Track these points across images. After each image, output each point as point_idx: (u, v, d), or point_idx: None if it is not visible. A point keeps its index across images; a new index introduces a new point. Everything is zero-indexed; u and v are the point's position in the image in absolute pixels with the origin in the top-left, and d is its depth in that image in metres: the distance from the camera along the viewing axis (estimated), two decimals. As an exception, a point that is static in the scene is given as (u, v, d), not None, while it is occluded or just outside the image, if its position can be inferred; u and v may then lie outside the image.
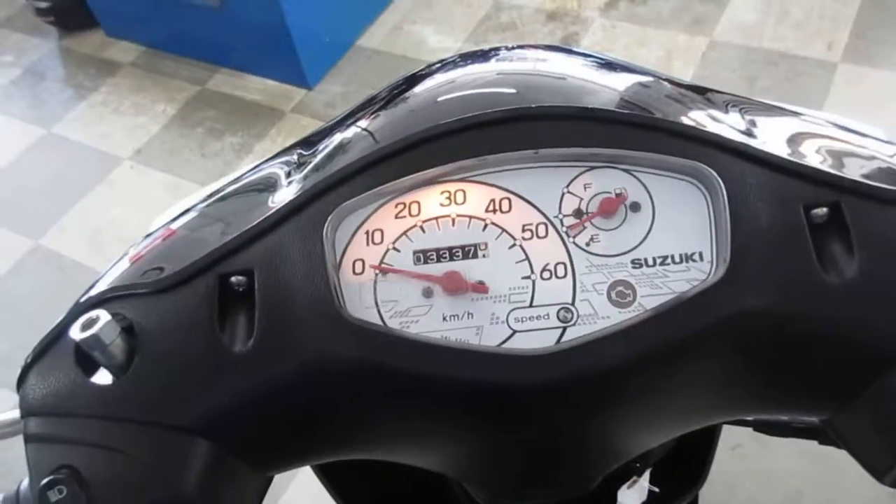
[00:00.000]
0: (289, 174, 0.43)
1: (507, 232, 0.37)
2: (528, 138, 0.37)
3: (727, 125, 0.39)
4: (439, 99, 0.42)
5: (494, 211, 0.37)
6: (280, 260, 0.36)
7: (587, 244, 0.36)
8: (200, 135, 2.17)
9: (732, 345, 0.34)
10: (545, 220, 0.37)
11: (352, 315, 0.35)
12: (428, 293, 0.36)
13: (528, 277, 0.36)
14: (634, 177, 0.37)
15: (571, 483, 0.40)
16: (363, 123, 0.43)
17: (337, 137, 0.43)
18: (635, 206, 0.37)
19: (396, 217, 0.38)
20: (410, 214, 0.37)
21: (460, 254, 0.37)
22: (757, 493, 1.27)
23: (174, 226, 0.43)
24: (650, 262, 0.36)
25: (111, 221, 1.98)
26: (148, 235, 0.45)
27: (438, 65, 0.46)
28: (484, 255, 0.37)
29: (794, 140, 0.40)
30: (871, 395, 0.34)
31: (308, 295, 0.35)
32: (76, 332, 0.34)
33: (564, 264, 0.36)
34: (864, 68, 1.92)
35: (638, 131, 0.37)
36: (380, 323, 0.36)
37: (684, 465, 0.63)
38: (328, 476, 0.58)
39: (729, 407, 0.38)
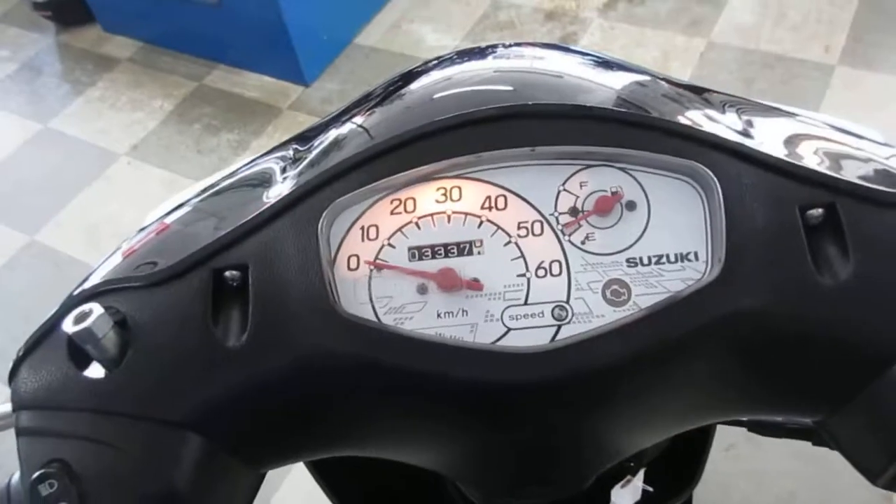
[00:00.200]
0: (284, 169, 0.43)
1: (502, 229, 0.37)
2: (525, 135, 0.37)
3: (724, 125, 0.39)
4: (436, 95, 0.42)
5: (490, 208, 0.37)
6: (275, 255, 0.36)
7: (582, 242, 0.36)
8: (197, 131, 2.17)
9: (727, 345, 0.34)
10: (541, 218, 0.37)
11: (346, 311, 0.35)
12: (422, 290, 0.36)
13: (523, 275, 0.36)
14: (630, 175, 0.37)
15: (565, 482, 0.40)
16: (359, 119, 0.43)
17: (333, 133, 0.43)
18: (631, 205, 0.37)
19: (392, 213, 0.37)
20: (406, 210, 0.37)
21: (455, 251, 0.37)
22: (750, 493, 1.28)
23: (168, 220, 0.43)
24: (645, 261, 0.36)
25: (107, 217, 1.98)
26: (142, 229, 0.45)
27: (435, 61, 0.46)
28: (479, 253, 0.37)
29: (791, 141, 0.40)
30: (865, 397, 0.34)
31: (302, 290, 0.35)
32: (69, 326, 0.34)
33: (559, 262, 0.36)
34: (861, 71, 1.93)
35: (635, 130, 0.37)
36: (374, 319, 0.36)
37: (678, 465, 0.63)
38: (322, 473, 0.58)
39: (723, 407, 0.38)
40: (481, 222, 0.37)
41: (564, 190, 0.37)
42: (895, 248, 0.34)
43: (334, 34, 2.28)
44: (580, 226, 0.37)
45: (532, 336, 0.35)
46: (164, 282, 0.37)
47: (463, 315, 0.36)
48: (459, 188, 0.38)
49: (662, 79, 0.44)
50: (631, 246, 0.36)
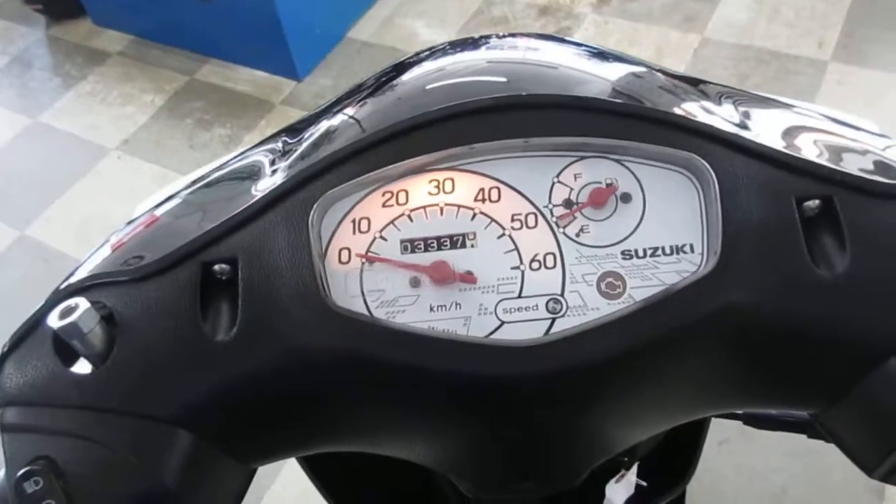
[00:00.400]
0: (273, 162, 0.42)
1: (495, 222, 0.36)
2: (519, 127, 0.37)
3: (720, 117, 0.39)
4: (428, 87, 0.41)
5: (483, 200, 0.37)
6: (264, 248, 0.36)
7: (577, 235, 0.36)
8: (189, 126, 2.15)
9: (723, 338, 0.34)
10: (535, 210, 0.36)
11: (337, 304, 0.34)
12: (415, 283, 0.36)
13: (517, 268, 0.36)
14: (625, 167, 0.37)
15: (559, 476, 0.39)
16: (350, 111, 0.42)
17: (323, 125, 0.42)
18: (626, 197, 0.36)
19: (384, 205, 0.37)
20: (398, 203, 0.37)
21: (448, 243, 0.36)
22: (743, 488, 1.28)
23: (157, 212, 0.43)
24: (640, 253, 0.35)
25: (98, 212, 1.96)
26: (130, 222, 0.44)
27: (427, 52, 0.45)
28: (472, 245, 0.36)
29: (788, 132, 0.39)
30: (861, 390, 0.34)
31: (293, 284, 0.35)
32: (54, 320, 0.33)
33: (554, 255, 0.36)
34: (854, 67, 1.93)
35: (630, 121, 0.36)
36: (366, 313, 0.35)
37: (672, 460, 0.63)
38: (314, 469, 0.58)
39: (719, 400, 0.38)
40: (474, 215, 0.37)
41: (558, 182, 0.37)
42: (892, 239, 0.34)
43: (327, 29, 2.27)
44: (574, 218, 0.36)
45: (526, 329, 0.34)
46: (151, 276, 0.36)
47: (456, 308, 0.35)
48: (452, 180, 0.37)
49: (658, 70, 0.43)
50: (626, 238, 0.36)
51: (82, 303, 0.34)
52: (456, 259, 0.36)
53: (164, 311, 0.35)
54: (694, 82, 0.43)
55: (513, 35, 0.46)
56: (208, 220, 0.38)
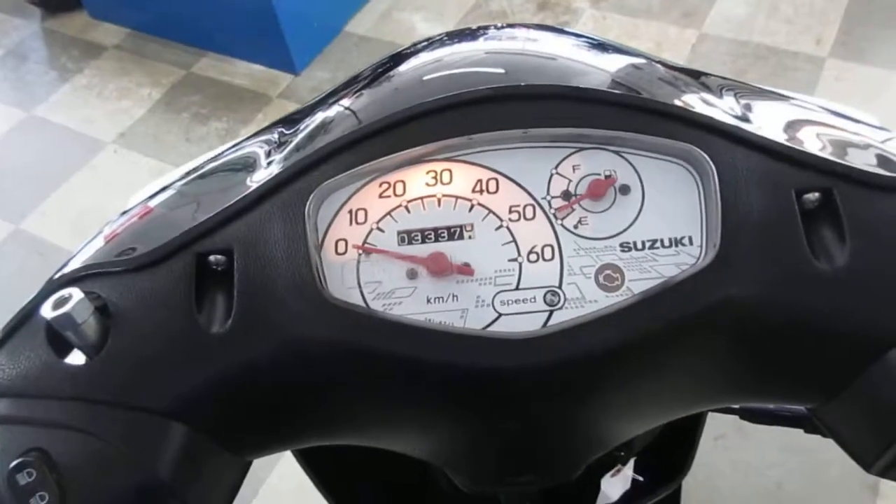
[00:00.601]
0: (269, 153, 0.42)
1: (493, 213, 0.36)
2: (517, 118, 0.36)
3: (720, 109, 0.39)
4: (426, 77, 0.41)
5: (481, 191, 0.36)
6: (260, 239, 0.35)
7: (575, 227, 0.36)
8: (186, 119, 2.14)
9: (721, 331, 0.34)
10: (533, 202, 0.36)
11: (333, 296, 0.34)
12: (412, 274, 0.35)
13: (515, 260, 0.35)
14: (624, 159, 0.36)
15: (555, 470, 0.39)
16: (347, 102, 0.42)
17: (320, 116, 0.42)
18: (625, 189, 0.36)
19: (381, 196, 0.37)
20: (395, 194, 0.37)
21: (446, 235, 0.36)
22: (738, 483, 1.28)
23: (151, 203, 0.42)
24: (639, 245, 0.35)
25: (93, 206, 1.96)
26: (124, 213, 0.44)
27: (425, 43, 0.45)
28: (470, 237, 0.36)
29: (788, 125, 0.39)
30: (860, 384, 0.34)
31: (289, 275, 0.34)
32: (47, 311, 0.33)
33: (552, 247, 0.35)
34: (852, 64, 1.93)
35: (629, 113, 0.36)
36: (362, 304, 0.35)
37: (668, 455, 0.63)
38: (309, 462, 0.58)
39: (716, 393, 0.38)
40: (472, 206, 0.36)
41: (557, 173, 0.36)
42: (892, 232, 0.33)
43: (325, 22, 2.26)
44: (573, 210, 0.36)
45: (523, 322, 0.34)
46: (146, 266, 0.36)
47: (453, 300, 0.35)
48: (450, 171, 0.37)
49: (657, 62, 0.43)
50: (624, 230, 0.35)
51: (76, 293, 0.33)
52: (453, 251, 0.36)
53: (159, 302, 0.35)
54: (694, 74, 0.43)
55: (511, 26, 0.45)
56: (203, 211, 0.38)
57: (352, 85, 0.44)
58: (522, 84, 0.37)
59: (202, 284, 0.35)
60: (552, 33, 0.45)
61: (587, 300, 0.34)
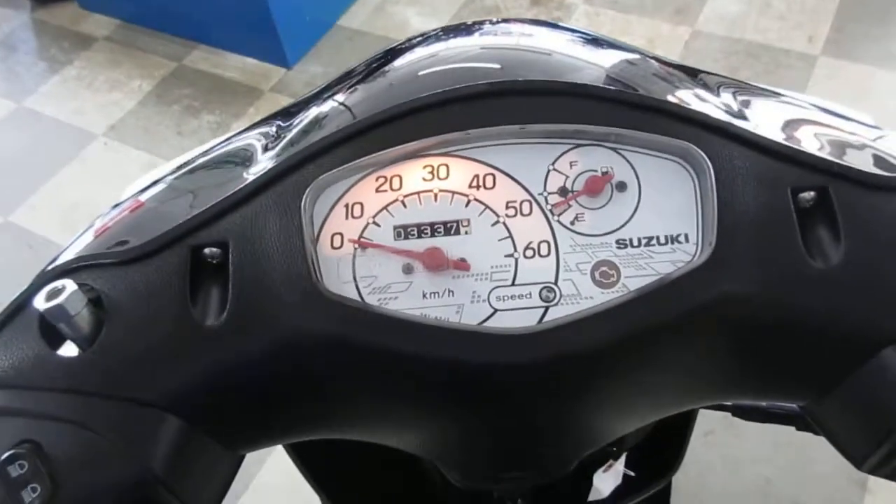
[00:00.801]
0: (265, 146, 0.42)
1: (490, 209, 0.36)
2: (515, 113, 0.36)
3: (716, 106, 0.39)
4: (422, 72, 0.41)
5: (478, 187, 0.36)
6: (256, 232, 0.35)
7: (572, 223, 0.36)
8: (177, 112, 2.13)
9: (716, 328, 0.34)
10: (529, 198, 0.36)
11: (329, 290, 0.34)
12: (408, 269, 0.35)
13: (511, 255, 0.35)
14: (621, 156, 0.36)
15: (548, 465, 0.39)
16: (343, 96, 0.42)
17: (315, 110, 0.42)
18: (621, 186, 0.36)
19: (377, 191, 0.37)
20: (392, 188, 0.37)
21: (442, 230, 0.36)
22: (727, 479, 1.29)
23: (143, 197, 0.42)
24: (635, 242, 0.35)
25: (84, 199, 1.94)
26: (116, 206, 0.43)
27: (420, 37, 0.45)
28: (466, 232, 0.36)
29: (783, 123, 0.39)
30: (852, 382, 0.34)
31: (284, 268, 0.34)
32: (40, 302, 0.33)
33: (548, 243, 0.35)
34: (844, 62, 1.94)
35: (627, 109, 0.36)
36: (357, 299, 0.35)
37: (660, 451, 0.63)
38: (301, 456, 0.58)
39: (710, 391, 0.38)
40: (469, 201, 0.36)
41: (554, 169, 0.36)
42: (887, 231, 0.34)
43: (317, 16, 2.25)
44: (570, 206, 0.36)
45: (519, 317, 0.34)
46: (140, 258, 0.36)
47: (449, 295, 0.35)
48: (447, 166, 0.37)
49: (654, 58, 0.43)
50: (621, 227, 0.35)
51: (69, 285, 0.33)
52: (449, 246, 0.35)
53: (154, 294, 0.35)
54: (691, 72, 0.43)
55: (507, 21, 0.45)
56: (198, 203, 0.38)
57: (347, 79, 0.44)
58: (520, 79, 0.37)
59: (197, 277, 0.35)
60: (548, 28, 0.45)
61: (583, 297, 0.34)
